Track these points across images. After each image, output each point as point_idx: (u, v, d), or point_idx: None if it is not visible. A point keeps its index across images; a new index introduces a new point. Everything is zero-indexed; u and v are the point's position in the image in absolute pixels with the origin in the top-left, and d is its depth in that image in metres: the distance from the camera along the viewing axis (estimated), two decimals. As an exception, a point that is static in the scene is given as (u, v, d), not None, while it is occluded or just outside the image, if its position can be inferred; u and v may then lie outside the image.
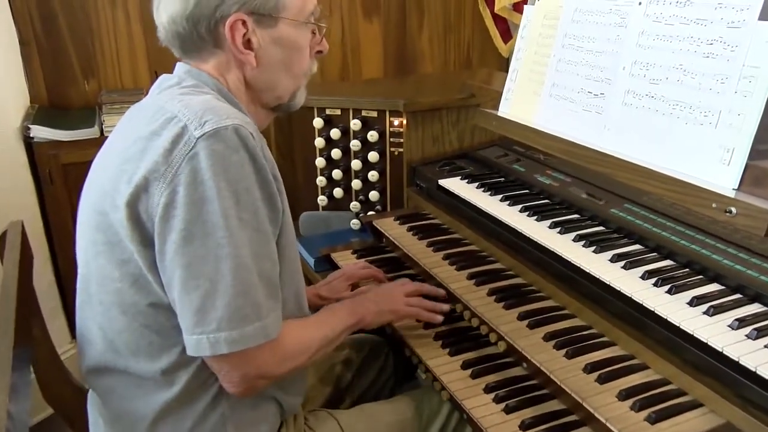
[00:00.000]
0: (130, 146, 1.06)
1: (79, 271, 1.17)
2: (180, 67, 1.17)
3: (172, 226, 0.99)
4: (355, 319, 1.28)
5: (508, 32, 3.26)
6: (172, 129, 1.01)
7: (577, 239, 1.39)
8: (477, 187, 1.73)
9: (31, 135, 2.48)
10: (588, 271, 1.27)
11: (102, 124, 2.55)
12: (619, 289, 1.19)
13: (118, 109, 2.62)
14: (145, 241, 1.02)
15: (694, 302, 1.12)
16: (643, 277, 1.21)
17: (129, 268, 1.05)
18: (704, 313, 1.10)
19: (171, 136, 1.01)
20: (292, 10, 1.15)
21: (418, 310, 1.40)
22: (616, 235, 1.39)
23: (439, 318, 1.41)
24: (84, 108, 2.82)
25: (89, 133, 2.51)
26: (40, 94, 2.79)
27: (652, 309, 1.13)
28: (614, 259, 1.28)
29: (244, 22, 1.12)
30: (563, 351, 1.21)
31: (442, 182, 1.80)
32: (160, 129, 1.03)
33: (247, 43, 1.14)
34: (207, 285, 0.98)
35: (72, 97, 2.84)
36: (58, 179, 2.51)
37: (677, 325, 1.08)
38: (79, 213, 1.15)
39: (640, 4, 1.36)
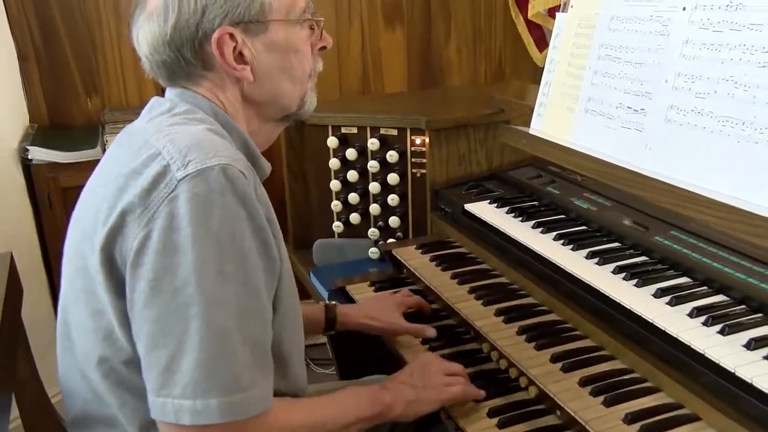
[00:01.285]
0: (111, 182, 1.06)
1: (59, 314, 1.17)
2: (171, 90, 1.17)
3: (141, 274, 0.97)
4: (378, 409, 1.20)
5: (543, 40, 3.24)
6: (154, 168, 1.01)
7: (617, 271, 1.37)
8: (507, 212, 1.73)
9: (29, 157, 2.52)
10: (629, 307, 1.24)
11: (105, 144, 2.57)
12: (663, 328, 1.17)
13: (122, 128, 2.66)
14: (119, 290, 1.01)
15: (752, 345, 1.09)
16: (691, 315, 1.19)
17: (103, 321, 1.05)
18: (765, 357, 1.07)
19: (152, 175, 1.00)
20: (281, 10, 1.14)
21: (462, 388, 1.29)
22: (660, 267, 1.37)
23: (483, 393, 1.30)
24: (86, 127, 2.87)
25: (91, 154, 2.54)
26: (39, 112, 2.85)
27: (702, 352, 1.10)
28: (658, 294, 1.26)
29: (231, 35, 1.11)
30: (601, 398, 1.19)
31: (469, 207, 1.81)
32: (141, 167, 1.02)
33: (240, 57, 1.13)
34: (174, 344, 0.96)
35: (74, 115, 2.89)
36: (57, 203, 2.54)
37: (731, 370, 1.05)
38: (65, 249, 1.14)
39: (684, 9, 1.35)
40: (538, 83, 1.76)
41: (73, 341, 1.13)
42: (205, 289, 0.95)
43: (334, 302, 1.65)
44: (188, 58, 1.11)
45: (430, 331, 1.53)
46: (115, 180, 1.05)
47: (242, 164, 1.03)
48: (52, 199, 2.54)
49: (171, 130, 1.06)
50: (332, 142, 2.04)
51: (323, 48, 1.23)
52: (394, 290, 1.74)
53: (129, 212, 0.99)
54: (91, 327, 1.06)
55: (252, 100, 1.17)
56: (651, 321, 1.19)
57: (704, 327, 1.15)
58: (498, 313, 1.49)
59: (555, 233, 1.56)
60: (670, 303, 1.23)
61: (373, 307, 1.59)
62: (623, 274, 1.35)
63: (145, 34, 1.13)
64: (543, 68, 1.74)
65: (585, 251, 1.46)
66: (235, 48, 1.12)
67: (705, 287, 1.28)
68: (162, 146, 1.03)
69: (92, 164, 1.23)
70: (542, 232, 1.59)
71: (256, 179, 1.06)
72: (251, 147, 1.17)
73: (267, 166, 1.21)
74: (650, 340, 1.22)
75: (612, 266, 1.39)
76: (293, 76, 1.18)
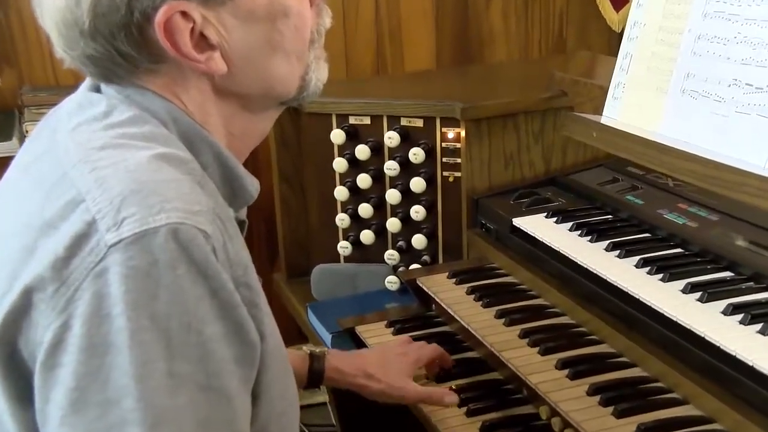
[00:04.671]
0: (14, 233, 1.01)
1: None
2: (111, 86, 1.12)
3: (57, 380, 0.93)
4: None
5: (622, -5, 3.27)
6: (75, 223, 0.96)
7: (730, 311, 1.34)
8: (571, 229, 1.72)
9: None
10: (758, 368, 1.20)
11: (25, 134, 2.52)
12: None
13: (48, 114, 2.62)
14: (24, 396, 0.97)
15: None
16: None
17: None
18: None
19: (71, 235, 0.95)
20: None
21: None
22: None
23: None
24: (-4, 111, 2.82)
25: (4, 148, 2.48)
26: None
27: None
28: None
29: (184, 14, 1.05)
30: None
31: (519, 222, 1.79)
32: (57, 219, 0.98)
33: (203, 41, 1.08)
34: None
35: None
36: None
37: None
38: None
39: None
40: (615, 55, 1.75)
41: None
42: (150, 400, 0.92)
43: (323, 349, 1.65)
44: (125, 51, 1.06)
45: (450, 398, 1.54)
46: (20, 232, 1.00)
47: (205, 216, 0.99)
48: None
49: (101, 162, 1.01)
50: (337, 136, 2.03)
51: None
52: (417, 332, 1.76)
53: (38, 289, 0.95)
54: None
55: (230, 93, 1.15)
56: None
57: None
58: (561, 365, 1.47)
59: (638, 258, 1.54)
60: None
61: (374, 362, 1.60)
62: (739, 315, 1.32)
63: (52, 15, 1.07)
64: (622, 34, 1.75)
65: (681, 283, 1.43)
66: (193, 30, 1.06)
67: None
68: (86, 189, 0.98)
69: (5, 162, 1.20)
70: (620, 256, 1.57)
71: (229, 226, 1.04)
72: (230, 165, 1.14)
73: (253, 187, 1.19)
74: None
75: (721, 304, 1.35)
76: (287, 50, 1.15)
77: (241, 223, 1.19)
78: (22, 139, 2.53)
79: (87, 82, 1.16)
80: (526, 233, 1.76)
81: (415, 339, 1.72)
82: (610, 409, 1.34)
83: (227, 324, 0.98)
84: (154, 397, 0.92)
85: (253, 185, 1.18)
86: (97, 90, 1.14)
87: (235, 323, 0.99)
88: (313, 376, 1.59)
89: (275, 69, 1.15)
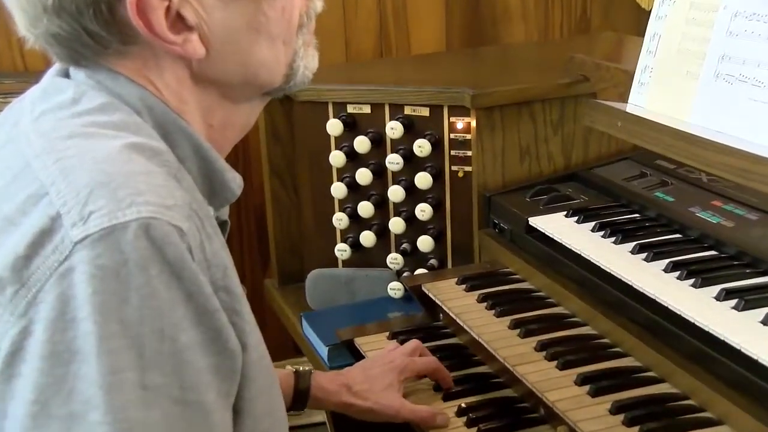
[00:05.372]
0: None
1: None
2: (79, 70, 1.13)
3: (16, 392, 0.93)
4: None
5: (651, -28, 3.27)
6: (38, 218, 0.96)
7: None
8: (593, 230, 1.71)
9: None
10: None
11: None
12: None
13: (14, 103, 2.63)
14: None
15: None
16: None
17: None
18: None
19: (33, 231, 0.95)
20: None
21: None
22: None
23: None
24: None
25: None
26: None
27: None
28: None
29: None
30: None
31: (536, 221, 1.79)
32: (18, 213, 0.98)
33: (179, 22, 1.08)
34: None
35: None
36: None
37: None
38: None
39: None
40: (642, 36, 1.73)
41: None
42: (119, 414, 0.92)
43: (308, 369, 1.64)
44: (93, 30, 1.06)
45: (442, 419, 1.54)
46: None
47: (180, 211, 0.99)
48: None
49: (66, 151, 1.01)
50: (334, 126, 2.02)
51: None
52: (423, 344, 1.73)
53: None
54: None
55: (209, 80, 1.16)
56: None
57: None
58: (582, 380, 1.46)
59: (667, 261, 1.52)
60: None
61: (358, 377, 1.61)
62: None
63: None
64: (650, 13, 1.71)
65: (715, 289, 1.41)
66: (168, 9, 1.07)
67: None
68: (50, 182, 0.98)
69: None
70: (647, 260, 1.56)
71: (207, 224, 1.04)
72: (209, 158, 1.14)
73: (235, 183, 1.19)
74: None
75: (762, 312, 1.33)
76: (272, 33, 1.16)
77: (222, 224, 1.20)
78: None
79: (55, 67, 1.16)
80: (544, 234, 1.75)
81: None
82: (635, 429, 1.33)
83: (204, 331, 0.98)
84: (123, 411, 0.92)
85: (235, 181, 1.18)
86: (66, 75, 1.14)
87: (212, 330, 0.99)
88: (298, 397, 1.59)
89: (258, 54, 1.16)
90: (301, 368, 1.63)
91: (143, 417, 0.93)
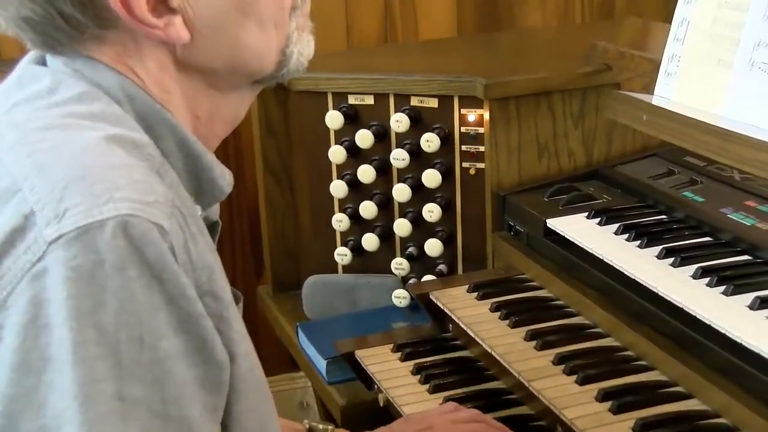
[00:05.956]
0: None
1: None
2: (56, 57, 1.13)
3: None
4: None
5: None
6: (9, 216, 0.97)
7: None
8: (616, 232, 1.71)
9: None
10: None
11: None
12: None
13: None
14: None
15: None
16: None
17: None
18: None
19: (4, 229, 0.96)
20: None
21: None
22: None
23: None
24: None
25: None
26: None
27: None
28: None
29: None
30: None
31: (554, 223, 1.79)
32: None
33: (160, 4, 1.08)
34: None
35: None
36: None
37: None
38: None
39: None
40: (669, 22, 1.72)
41: None
42: (94, 427, 0.92)
43: (328, 426, 1.64)
44: (68, 13, 1.06)
45: None
46: None
47: (161, 208, 0.99)
48: None
49: (42, 143, 1.02)
50: (334, 119, 2.03)
51: None
52: (426, 359, 1.75)
53: None
54: None
55: (194, 68, 1.16)
56: None
57: None
58: (603, 396, 1.46)
59: (696, 266, 1.52)
60: None
61: None
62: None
63: None
64: None
65: (748, 297, 1.41)
66: None
67: None
68: (23, 176, 0.99)
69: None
70: (674, 265, 1.55)
71: (192, 223, 1.04)
72: (196, 152, 1.14)
73: (225, 180, 1.20)
74: None
75: None
76: (262, 16, 1.17)
77: (212, 226, 1.21)
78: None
79: (30, 54, 1.17)
80: (563, 237, 1.75)
81: (429, 366, 1.70)
82: (663, 449, 1.35)
83: (188, 339, 0.99)
84: (99, 424, 0.92)
85: (224, 177, 1.18)
86: (43, 63, 1.15)
87: (197, 338, 0.99)
88: None
89: (247, 39, 1.16)
90: (320, 426, 1.62)
91: (121, 431, 0.93)
